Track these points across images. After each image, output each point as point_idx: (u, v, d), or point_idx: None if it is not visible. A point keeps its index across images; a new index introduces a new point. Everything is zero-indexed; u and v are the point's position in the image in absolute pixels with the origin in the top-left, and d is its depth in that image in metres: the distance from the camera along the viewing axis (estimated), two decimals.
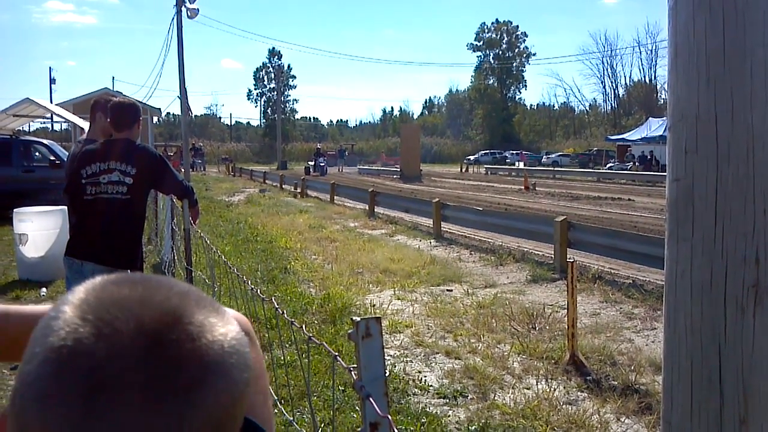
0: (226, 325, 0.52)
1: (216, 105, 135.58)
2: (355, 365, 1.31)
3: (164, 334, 0.47)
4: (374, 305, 6.56)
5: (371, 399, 1.21)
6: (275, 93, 74.82)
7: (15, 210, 7.87)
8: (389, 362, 4.82)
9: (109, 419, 0.43)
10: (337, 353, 1.45)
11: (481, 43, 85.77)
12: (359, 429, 1.32)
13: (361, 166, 49.56)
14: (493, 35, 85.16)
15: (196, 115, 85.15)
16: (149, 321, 0.47)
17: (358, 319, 1.29)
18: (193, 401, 0.46)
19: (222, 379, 0.48)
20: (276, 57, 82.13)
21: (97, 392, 0.44)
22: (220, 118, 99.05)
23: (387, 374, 1.30)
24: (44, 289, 7.03)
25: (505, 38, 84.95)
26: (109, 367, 0.44)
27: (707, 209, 1.11)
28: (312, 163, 40.94)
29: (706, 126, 1.11)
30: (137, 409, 0.44)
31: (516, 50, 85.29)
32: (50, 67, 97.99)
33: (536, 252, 9.48)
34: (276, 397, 3.01)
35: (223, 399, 0.48)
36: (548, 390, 4.33)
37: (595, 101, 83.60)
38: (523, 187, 25.17)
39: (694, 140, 1.13)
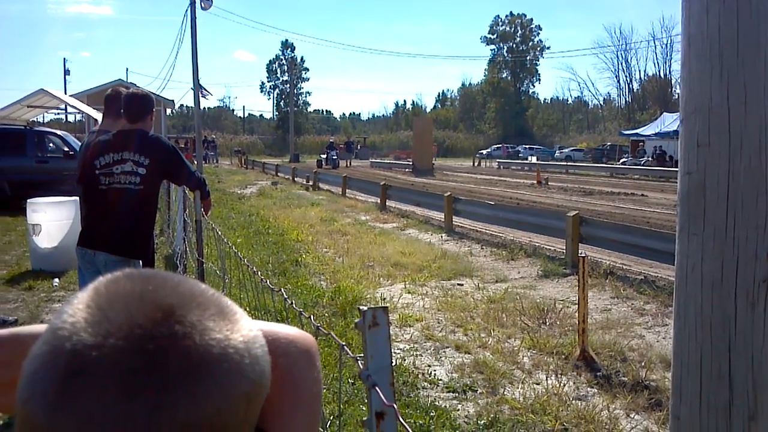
0: (229, 331, 0.49)
1: (229, 97, 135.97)
2: (362, 355, 1.31)
3: (149, 329, 0.46)
4: (385, 299, 6.57)
5: (377, 388, 1.22)
6: (288, 85, 74.80)
7: (29, 200, 7.93)
8: (399, 355, 4.82)
9: (81, 402, 0.44)
10: (345, 344, 1.45)
11: (495, 36, 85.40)
12: (365, 419, 1.33)
13: (373, 159, 49.54)
14: (507, 28, 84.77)
15: (209, 107, 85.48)
16: (139, 315, 0.47)
17: (365, 308, 1.28)
18: (164, 401, 0.44)
19: (203, 383, 0.46)
20: (289, 49, 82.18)
21: (76, 375, 0.44)
22: (233, 110, 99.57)
23: (394, 364, 1.30)
24: (57, 280, 7.09)
25: (519, 31, 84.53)
26: (92, 353, 0.45)
27: (719, 203, 1.10)
28: (324, 156, 40.97)
29: (719, 119, 1.10)
30: (110, 398, 0.44)
31: (530, 43, 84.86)
32: (64, 58, 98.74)
33: (548, 247, 9.45)
34: None
35: (203, 405, 0.46)
36: (558, 385, 4.32)
37: (609, 96, 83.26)
38: (535, 182, 25.10)
39: (707, 133, 1.12)
